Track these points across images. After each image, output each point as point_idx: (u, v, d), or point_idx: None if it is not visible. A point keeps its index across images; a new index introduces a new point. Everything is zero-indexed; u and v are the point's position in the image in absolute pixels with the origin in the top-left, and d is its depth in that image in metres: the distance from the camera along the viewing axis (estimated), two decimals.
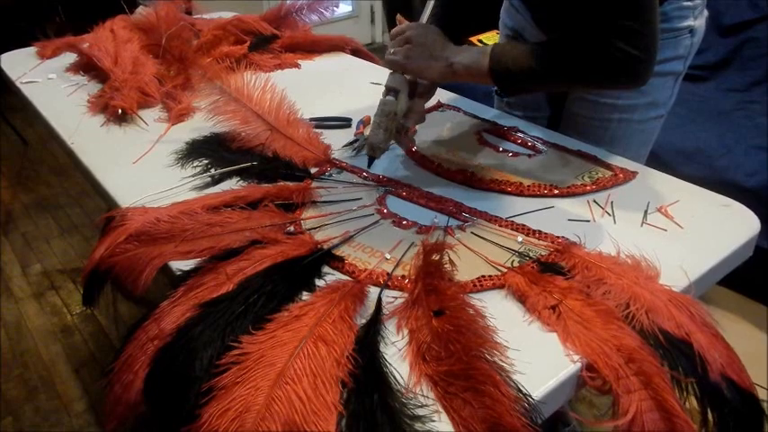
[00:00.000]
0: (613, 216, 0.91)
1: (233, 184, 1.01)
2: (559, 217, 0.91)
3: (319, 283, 0.78)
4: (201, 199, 0.93)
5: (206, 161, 1.07)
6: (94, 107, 1.32)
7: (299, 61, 1.56)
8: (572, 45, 0.89)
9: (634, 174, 1.01)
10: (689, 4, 1.06)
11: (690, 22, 1.07)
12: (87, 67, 1.54)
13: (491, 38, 2.60)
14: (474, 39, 2.61)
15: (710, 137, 1.84)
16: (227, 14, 1.91)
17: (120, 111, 1.24)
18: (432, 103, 1.30)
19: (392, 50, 0.98)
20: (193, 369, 0.67)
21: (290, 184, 0.99)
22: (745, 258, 0.89)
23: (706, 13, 1.11)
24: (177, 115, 1.25)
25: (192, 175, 1.04)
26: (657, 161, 1.43)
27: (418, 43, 0.96)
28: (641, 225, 0.89)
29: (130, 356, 0.73)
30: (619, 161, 1.05)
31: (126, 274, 0.80)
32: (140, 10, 2.91)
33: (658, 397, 0.64)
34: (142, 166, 1.10)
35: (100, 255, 0.86)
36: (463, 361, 0.61)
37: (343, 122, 1.21)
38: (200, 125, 1.21)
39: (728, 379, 0.69)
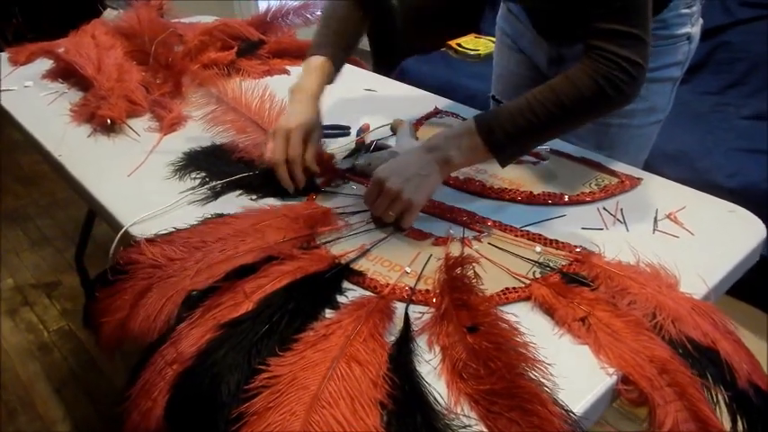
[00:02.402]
0: (625, 224, 0.92)
1: (234, 197, 0.99)
2: (571, 225, 0.91)
3: (341, 299, 0.76)
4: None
5: (204, 174, 1.04)
6: (79, 116, 1.27)
7: (288, 67, 1.53)
8: (566, 78, 0.83)
9: (639, 180, 1.02)
10: (687, 11, 1.07)
11: (687, 30, 1.09)
12: (66, 73, 1.48)
13: (469, 41, 2.61)
14: (453, 43, 2.62)
15: (691, 139, 1.89)
16: (206, 18, 1.87)
17: (108, 121, 1.20)
18: (428, 109, 1.29)
19: (391, 213, 0.87)
20: (220, 394, 0.64)
21: (311, 208, 0.95)
22: (752, 264, 0.91)
23: (701, 20, 1.13)
24: (169, 125, 1.21)
25: (192, 188, 1.01)
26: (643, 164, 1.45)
27: (404, 179, 0.85)
28: (653, 232, 0.90)
29: (147, 382, 0.70)
30: (622, 167, 1.06)
31: (143, 323, 0.76)
32: (108, 13, 2.83)
33: (693, 407, 0.64)
34: (137, 178, 1.06)
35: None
36: (506, 379, 0.60)
37: (342, 130, 1.19)
38: (193, 134, 1.17)
39: (755, 385, 0.69)
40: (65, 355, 1.78)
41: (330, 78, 1.06)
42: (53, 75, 1.50)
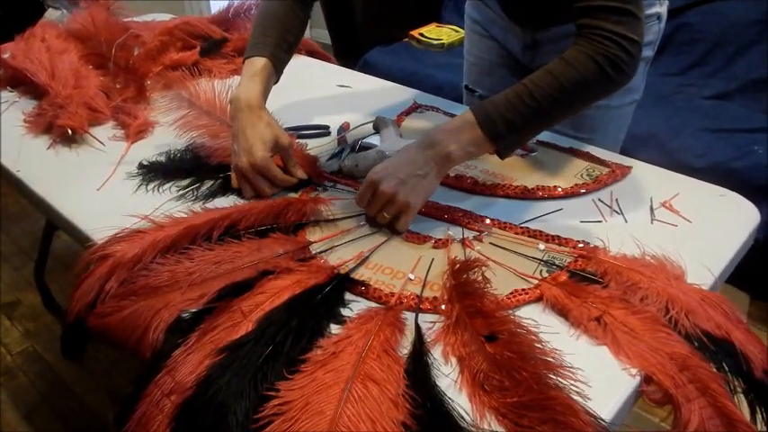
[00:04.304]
0: (623, 214, 0.90)
1: (217, 204, 0.93)
2: (568, 219, 0.89)
3: (345, 312, 0.72)
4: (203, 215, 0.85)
5: (184, 181, 0.98)
6: (35, 127, 1.18)
7: None
8: (563, 60, 0.81)
9: (629, 168, 1.01)
10: None
11: (657, 9, 1.10)
12: (15, 81, 1.38)
13: (431, 31, 2.58)
14: (415, 33, 2.58)
15: (658, 121, 1.91)
16: (161, 16, 1.78)
17: (69, 131, 1.12)
18: (404, 102, 1.25)
19: (386, 215, 0.84)
20: (228, 425, 0.60)
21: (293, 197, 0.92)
22: (747, 248, 0.90)
23: (667, 1, 1.14)
24: (136, 132, 1.13)
25: (176, 197, 0.95)
26: None
27: (399, 181, 0.82)
28: (651, 222, 0.89)
29: (144, 416, 0.65)
30: (609, 155, 1.05)
31: (127, 334, 0.70)
32: (50, 13, 2.68)
33: (717, 403, 0.63)
34: (108, 191, 0.99)
35: (81, 302, 0.76)
36: (535, 390, 0.57)
37: (321, 130, 1.14)
38: (163, 141, 1.11)
39: None
40: (31, 379, 1.68)
41: (272, 82, 1.01)
42: (1, 83, 1.40)
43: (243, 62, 1.00)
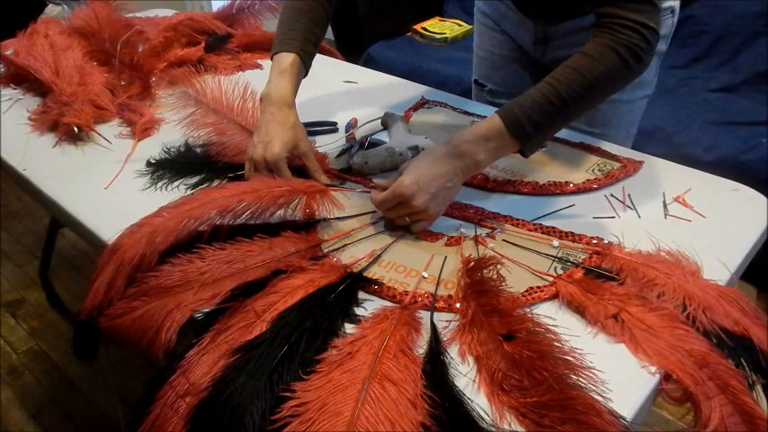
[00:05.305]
0: (636, 210, 0.89)
1: None
2: (581, 215, 0.89)
3: (359, 311, 0.72)
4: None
5: (193, 179, 0.98)
6: (41, 125, 1.18)
7: (260, 61, 1.45)
8: (586, 55, 0.80)
9: (641, 163, 1.00)
10: None
11: (671, 3, 1.09)
12: (18, 78, 1.37)
13: (434, 25, 2.57)
14: (418, 27, 2.57)
15: (665, 115, 1.90)
16: (164, 12, 1.77)
17: (75, 128, 1.11)
18: (411, 97, 1.24)
19: (407, 219, 0.83)
20: (244, 427, 0.59)
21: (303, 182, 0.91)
22: (762, 243, 0.90)
23: None
24: (142, 129, 1.13)
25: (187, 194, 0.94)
26: None
27: (431, 196, 0.81)
28: (665, 217, 0.88)
29: (159, 418, 0.64)
30: (620, 150, 1.04)
31: (139, 335, 0.69)
32: (51, 9, 2.66)
33: (737, 400, 0.62)
34: (116, 189, 0.98)
35: (93, 302, 0.75)
36: (556, 390, 0.56)
37: (330, 127, 1.13)
38: (169, 138, 1.10)
39: None
40: (38, 378, 1.68)
41: (301, 77, 1.00)
42: (4, 80, 1.39)
43: (271, 58, 0.98)
